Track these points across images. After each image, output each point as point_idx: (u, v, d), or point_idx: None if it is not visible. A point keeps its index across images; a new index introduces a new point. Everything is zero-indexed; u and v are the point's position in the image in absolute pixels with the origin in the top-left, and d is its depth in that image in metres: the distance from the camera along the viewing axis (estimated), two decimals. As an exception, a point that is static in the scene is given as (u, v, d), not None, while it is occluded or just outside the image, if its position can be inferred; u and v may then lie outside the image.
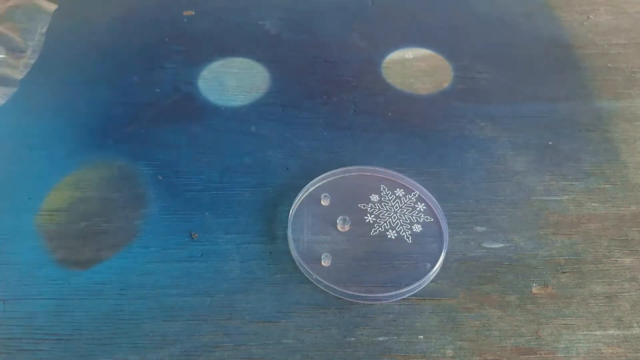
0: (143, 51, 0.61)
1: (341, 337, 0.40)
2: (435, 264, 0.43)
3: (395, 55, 0.61)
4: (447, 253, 0.44)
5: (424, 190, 0.47)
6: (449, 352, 0.40)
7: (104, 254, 0.44)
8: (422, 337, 0.40)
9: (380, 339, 0.40)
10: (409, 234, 0.45)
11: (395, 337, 0.40)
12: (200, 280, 0.43)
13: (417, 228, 0.46)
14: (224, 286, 0.43)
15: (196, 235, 0.46)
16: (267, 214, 0.47)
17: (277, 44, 0.62)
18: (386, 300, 0.42)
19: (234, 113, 0.55)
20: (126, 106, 0.56)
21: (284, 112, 0.55)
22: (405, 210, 0.47)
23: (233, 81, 0.58)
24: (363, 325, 0.41)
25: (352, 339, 0.40)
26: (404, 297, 0.42)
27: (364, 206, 0.47)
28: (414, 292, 0.42)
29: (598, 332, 0.41)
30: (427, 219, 0.46)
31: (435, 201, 0.47)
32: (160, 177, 0.50)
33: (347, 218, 0.45)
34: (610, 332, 0.41)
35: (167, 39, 0.62)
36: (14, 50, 0.59)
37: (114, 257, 0.44)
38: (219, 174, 0.50)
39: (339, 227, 0.45)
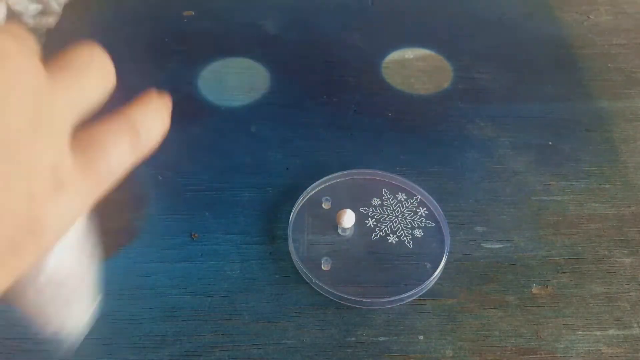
0: (143, 51, 0.61)
1: (341, 337, 0.40)
2: (436, 269, 0.43)
3: (395, 55, 0.61)
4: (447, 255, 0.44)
5: (426, 194, 0.47)
6: (449, 352, 0.40)
7: (104, 254, 0.44)
8: (422, 337, 0.40)
9: (380, 339, 0.40)
10: (410, 239, 0.45)
11: (395, 337, 0.40)
12: (200, 280, 0.43)
13: (419, 233, 0.45)
14: (224, 286, 0.43)
15: (197, 235, 0.46)
16: (267, 214, 0.47)
17: (277, 44, 0.62)
18: (385, 306, 0.42)
19: (234, 113, 0.55)
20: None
21: (284, 112, 0.55)
22: (407, 214, 0.46)
23: (233, 81, 0.58)
24: (363, 325, 0.41)
25: (352, 339, 0.40)
26: (404, 302, 0.42)
27: (365, 210, 0.47)
28: (414, 297, 0.42)
29: (598, 332, 0.41)
30: (428, 223, 0.46)
31: (438, 206, 0.46)
32: (160, 177, 0.50)
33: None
34: (610, 332, 0.41)
35: (167, 39, 0.62)
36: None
37: (114, 257, 0.44)
38: (219, 174, 0.50)
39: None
